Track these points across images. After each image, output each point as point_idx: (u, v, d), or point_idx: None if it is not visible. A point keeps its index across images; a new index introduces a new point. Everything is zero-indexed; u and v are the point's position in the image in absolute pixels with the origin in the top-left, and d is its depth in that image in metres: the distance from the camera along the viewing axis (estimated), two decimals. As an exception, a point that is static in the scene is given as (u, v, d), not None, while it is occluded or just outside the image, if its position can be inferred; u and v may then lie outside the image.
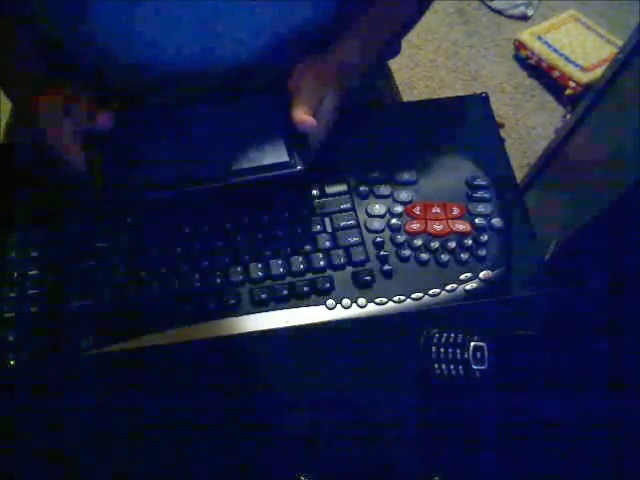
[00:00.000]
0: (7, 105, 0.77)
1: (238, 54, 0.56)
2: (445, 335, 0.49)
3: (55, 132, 0.49)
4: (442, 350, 0.48)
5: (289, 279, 0.52)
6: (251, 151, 0.53)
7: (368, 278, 0.52)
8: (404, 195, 0.56)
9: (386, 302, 0.52)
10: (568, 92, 1.69)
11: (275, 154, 0.53)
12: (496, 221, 0.56)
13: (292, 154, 0.52)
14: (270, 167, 0.52)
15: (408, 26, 0.66)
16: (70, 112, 0.49)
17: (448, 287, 0.53)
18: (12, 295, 0.50)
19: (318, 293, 0.52)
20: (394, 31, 0.63)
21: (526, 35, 1.78)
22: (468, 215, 0.56)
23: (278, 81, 0.54)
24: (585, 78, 1.67)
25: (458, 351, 0.48)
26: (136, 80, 0.58)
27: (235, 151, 0.53)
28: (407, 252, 0.54)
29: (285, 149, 0.53)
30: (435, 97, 0.67)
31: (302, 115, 0.51)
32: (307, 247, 0.53)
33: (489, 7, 1.90)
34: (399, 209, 0.55)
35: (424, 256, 0.54)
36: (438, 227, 0.55)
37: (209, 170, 0.52)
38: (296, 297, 0.52)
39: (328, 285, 0.52)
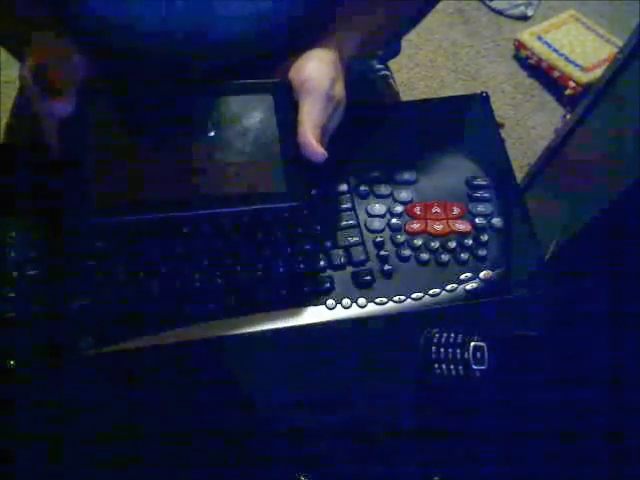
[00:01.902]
0: (7, 105, 0.77)
1: (232, 29, 0.55)
2: (445, 335, 0.49)
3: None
4: (442, 350, 0.48)
5: (289, 279, 0.52)
6: (242, 174, 0.48)
7: (368, 278, 0.52)
8: (404, 195, 0.56)
9: (386, 302, 0.52)
10: (568, 92, 1.70)
11: (271, 181, 0.48)
12: (496, 221, 0.56)
13: (291, 183, 0.48)
14: (262, 198, 0.48)
15: (412, 18, 0.66)
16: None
17: (448, 287, 0.53)
18: (12, 295, 0.50)
19: (318, 293, 0.52)
20: (395, 18, 0.62)
21: (526, 35, 1.78)
22: (468, 215, 0.56)
23: (282, 83, 0.51)
24: (585, 78, 1.67)
25: (458, 351, 0.48)
26: (128, 51, 0.56)
27: (223, 172, 0.48)
28: (407, 252, 0.54)
29: (284, 176, 0.48)
30: (435, 97, 0.67)
31: (312, 140, 0.48)
32: (307, 247, 0.53)
33: (489, 7, 1.91)
34: (399, 209, 0.55)
35: (424, 256, 0.54)
36: (438, 227, 0.55)
37: (187, 195, 0.48)
38: (296, 297, 0.52)
39: (328, 285, 0.52)
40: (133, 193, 0.48)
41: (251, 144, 0.50)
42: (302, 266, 0.52)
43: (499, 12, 1.90)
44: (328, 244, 0.53)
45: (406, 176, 0.57)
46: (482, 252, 0.54)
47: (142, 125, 0.50)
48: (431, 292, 0.53)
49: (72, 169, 0.47)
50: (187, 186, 0.48)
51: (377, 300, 0.52)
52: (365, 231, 0.54)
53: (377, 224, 0.55)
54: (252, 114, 0.51)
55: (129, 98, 0.50)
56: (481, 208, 0.56)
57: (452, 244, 0.54)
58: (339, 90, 0.52)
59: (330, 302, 0.52)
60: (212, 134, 0.50)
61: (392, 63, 0.82)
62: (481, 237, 0.55)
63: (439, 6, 0.66)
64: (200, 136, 0.50)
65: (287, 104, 0.51)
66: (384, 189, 0.56)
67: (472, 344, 0.48)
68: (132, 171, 0.48)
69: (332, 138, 0.53)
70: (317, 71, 0.50)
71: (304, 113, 0.49)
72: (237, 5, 0.54)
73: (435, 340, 0.49)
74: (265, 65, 0.55)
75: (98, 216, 0.48)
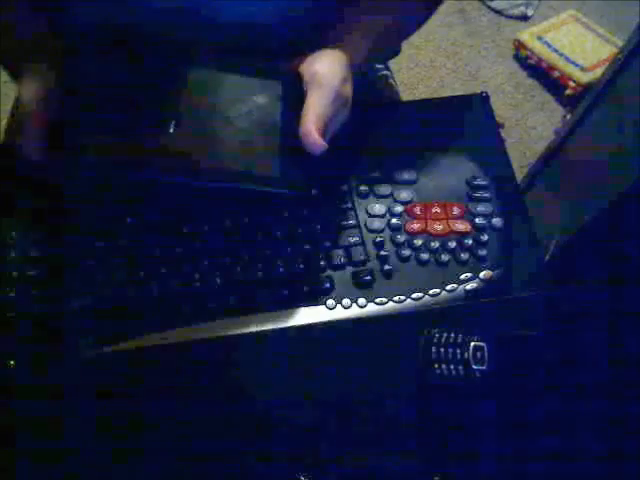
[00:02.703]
0: (7, 105, 0.77)
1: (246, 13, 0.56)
2: (445, 335, 0.49)
3: None
4: (442, 350, 0.48)
5: (289, 279, 0.52)
6: (236, 151, 0.48)
7: (368, 278, 0.52)
8: (404, 195, 0.56)
9: (386, 302, 0.52)
10: (568, 92, 1.70)
11: (269, 166, 0.48)
12: (496, 221, 0.56)
13: (288, 172, 0.48)
14: (258, 179, 0.48)
15: (416, 20, 0.66)
16: None
17: (448, 287, 0.53)
18: (12, 295, 0.50)
19: (318, 293, 0.52)
20: (399, 21, 0.62)
21: (526, 35, 1.78)
22: (468, 215, 0.56)
23: (290, 74, 0.52)
24: (585, 78, 1.67)
25: (458, 351, 0.48)
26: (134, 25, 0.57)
27: (221, 147, 0.48)
28: (407, 252, 0.54)
29: (281, 164, 0.48)
30: (435, 97, 0.67)
31: (313, 131, 0.48)
32: (307, 247, 0.53)
33: (489, 7, 1.91)
34: (399, 209, 0.55)
35: (424, 256, 0.54)
36: (438, 227, 0.55)
37: (183, 164, 0.47)
38: (296, 297, 0.52)
39: (328, 285, 0.52)
40: (131, 154, 0.46)
41: (254, 126, 0.49)
42: (302, 266, 0.52)
43: (499, 12, 1.90)
44: (328, 244, 0.53)
45: (406, 176, 0.57)
46: (482, 252, 0.54)
47: (146, 92, 0.49)
48: (431, 292, 0.53)
49: (72, 127, 0.46)
50: (184, 156, 0.47)
51: (377, 300, 0.52)
52: (365, 231, 0.54)
53: (377, 224, 0.55)
54: (259, 97, 0.50)
55: (134, 66, 0.49)
56: (481, 208, 0.56)
57: (452, 244, 0.54)
58: (348, 90, 0.52)
59: (330, 302, 0.52)
60: (215, 109, 0.49)
61: (392, 63, 0.82)
62: (481, 237, 0.55)
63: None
64: (203, 109, 0.49)
65: (294, 93, 0.51)
66: (384, 189, 0.56)
67: (472, 344, 0.48)
68: (132, 134, 0.47)
69: (333, 138, 0.53)
70: (329, 68, 0.51)
71: (310, 104, 0.49)
72: None
73: (435, 340, 0.49)
74: (268, 59, 0.55)
75: (94, 169, 0.47)
